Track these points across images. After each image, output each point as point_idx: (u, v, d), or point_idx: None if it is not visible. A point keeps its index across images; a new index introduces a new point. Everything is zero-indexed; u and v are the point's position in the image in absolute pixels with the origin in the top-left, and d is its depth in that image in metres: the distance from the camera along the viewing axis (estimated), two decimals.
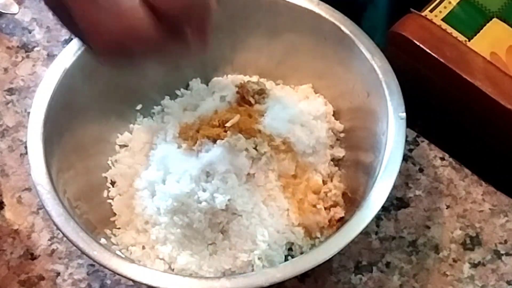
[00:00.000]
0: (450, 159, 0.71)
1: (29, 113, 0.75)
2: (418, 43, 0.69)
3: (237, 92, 0.69)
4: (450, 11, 0.71)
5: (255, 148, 0.64)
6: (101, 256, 0.57)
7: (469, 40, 0.69)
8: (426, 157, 0.71)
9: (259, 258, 0.61)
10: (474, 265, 0.66)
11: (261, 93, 0.68)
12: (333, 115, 0.69)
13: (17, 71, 0.78)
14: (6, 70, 0.78)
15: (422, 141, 0.72)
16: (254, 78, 0.71)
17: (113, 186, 0.68)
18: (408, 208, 0.69)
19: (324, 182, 0.66)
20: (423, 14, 0.71)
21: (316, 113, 0.67)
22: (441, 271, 0.66)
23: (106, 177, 0.68)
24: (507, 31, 0.71)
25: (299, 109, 0.67)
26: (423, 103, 0.70)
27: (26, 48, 0.79)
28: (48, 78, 0.64)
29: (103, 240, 0.61)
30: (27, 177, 0.71)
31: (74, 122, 0.65)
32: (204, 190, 0.61)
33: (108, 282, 0.66)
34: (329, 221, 0.64)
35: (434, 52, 0.68)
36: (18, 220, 0.69)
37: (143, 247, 0.64)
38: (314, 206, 0.64)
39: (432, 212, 0.69)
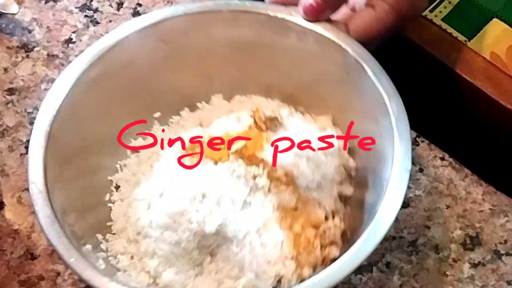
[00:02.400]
0: (450, 159, 0.71)
1: (29, 113, 0.75)
2: (418, 43, 0.69)
3: (251, 116, 0.67)
4: (450, 11, 0.71)
5: (254, 178, 0.62)
6: (77, 264, 0.57)
7: (469, 40, 0.69)
8: (426, 157, 0.71)
9: (243, 287, 0.60)
10: (474, 265, 0.66)
11: (274, 120, 0.66)
12: (348, 151, 0.67)
13: (17, 71, 0.78)
14: (6, 70, 0.78)
15: (422, 141, 0.72)
16: (276, 102, 0.70)
17: (116, 191, 0.68)
18: (408, 208, 0.69)
19: (327, 218, 0.65)
20: (423, 14, 0.71)
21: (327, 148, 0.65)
22: (441, 271, 0.66)
23: (111, 180, 0.68)
24: (507, 31, 0.71)
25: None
26: (423, 103, 0.70)
27: (26, 48, 0.79)
28: (65, 76, 0.64)
29: (88, 247, 0.61)
30: (27, 177, 0.71)
31: (86, 121, 0.65)
32: (197, 211, 0.60)
33: None
34: (323, 259, 0.63)
35: (434, 52, 0.68)
36: (18, 220, 0.69)
37: (132, 257, 0.64)
38: (311, 242, 0.63)
39: (432, 212, 0.69)
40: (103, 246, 0.63)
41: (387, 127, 0.60)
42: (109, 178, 0.68)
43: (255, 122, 0.66)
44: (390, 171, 0.59)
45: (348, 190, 0.66)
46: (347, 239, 0.63)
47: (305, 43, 0.66)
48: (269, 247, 0.61)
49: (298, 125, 0.68)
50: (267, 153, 0.63)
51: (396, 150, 0.59)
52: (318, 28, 0.65)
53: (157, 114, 0.70)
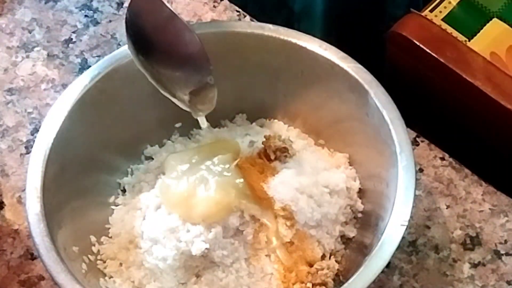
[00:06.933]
0: (450, 159, 0.71)
1: (29, 113, 0.75)
2: (418, 43, 0.69)
3: (263, 143, 0.67)
4: (450, 11, 0.72)
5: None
6: (53, 266, 0.57)
7: (469, 40, 0.69)
8: (426, 157, 0.71)
9: None
10: (474, 265, 0.66)
11: (284, 151, 0.66)
12: (359, 192, 0.67)
13: (17, 71, 0.78)
14: (6, 70, 0.78)
15: (422, 141, 0.72)
16: (297, 131, 0.70)
17: (122, 194, 0.68)
18: None
19: (323, 257, 0.64)
20: (423, 14, 0.71)
21: (334, 188, 0.64)
22: (441, 271, 0.66)
23: (119, 183, 0.68)
24: (507, 31, 0.71)
25: (314, 180, 0.64)
26: (423, 103, 0.70)
27: (26, 48, 0.79)
28: (84, 76, 0.64)
29: (75, 249, 0.61)
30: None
31: (102, 121, 0.65)
32: (188, 231, 0.61)
33: None
34: None
35: (434, 52, 0.68)
36: (18, 220, 0.69)
37: (120, 264, 0.64)
38: (302, 279, 0.62)
39: (432, 212, 0.69)
40: (94, 249, 0.64)
41: (394, 178, 0.60)
42: (118, 180, 0.68)
43: (265, 150, 0.66)
44: (384, 224, 0.59)
45: (351, 232, 0.66)
46: (340, 282, 0.63)
47: (331, 78, 0.66)
48: (257, 277, 0.62)
49: (310, 159, 0.67)
50: (268, 185, 0.63)
51: (396, 204, 0.59)
52: (345, 65, 0.65)
53: (178, 124, 0.70)
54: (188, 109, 0.63)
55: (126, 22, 0.61)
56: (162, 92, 0.61)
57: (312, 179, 0.64)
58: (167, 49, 0.62)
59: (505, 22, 0.71)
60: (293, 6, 0.89)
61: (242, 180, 0.62)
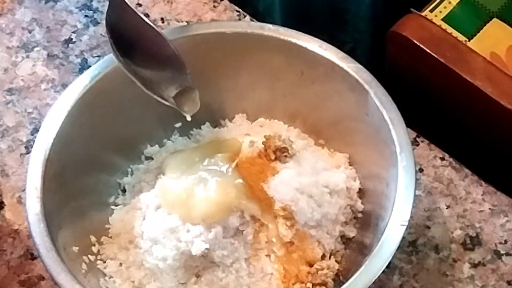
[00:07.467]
0: (450, 159, 0.71)
1: (29, 113, 0.75)
2: (418, 43, 0.69)
3: (263, 143, 0.67)
4: (450, 11, 0.72)
5: None
6: (53, 266, 0.57)
7: (469, 40, 0.69)
8: (426, 157, 0.71)
9: None
10: (474, 265, 0.66)
11: (284, 151, 0.66)
12: (359, 192, 0.67)
13: (17, 71, 0.78)
14: (6, 70, 0.78)
15: (422, 141, 0.72)
16: (297, 131, 0.70)
17: (122, 194, 0.68)
18: None
19: (323, 257, 0.64)
20: (423, 14, 0.71)
21: (334, 188, 0.64)
22: (441, 271, 0.66)
23: (119, 183, 0.68)
24: (507, 31, 0.71)
25: (314, 180, 0.64)
26: (423, 103, 0.70)
27: (26, 48, 0.79)
28: (83, 77, 0.65)
29: (75, 249, 0.61)
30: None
31: (102, 121, 0.65)
32: (188, 231, 0.61)
33: None
34: None
35: (434, 52, 0.68)
36: (18, 220, 0.69)
37: (120, 264, 0.64)
38: (302, 279, 0.62)
39: (432, 212, 0.69)
40: (94, 249, 0.64)
41: (393, 178, 0.60)
42: (118, 180, 0.68)
43: (265, 150, 0.66)
44: (384, 224, 0.59)
45: (351, 232, 0.65)
46: (340, 282, 0.63)
47: (331, 78, 0.66)
48: (257, 277, 0.62)
49: (310, 159, 0.67)
50: (268, 185, 0.63)
51: (396, 204, 0.59)
52: (345, 65, 0.64)
53: (178, 124, 0.70)
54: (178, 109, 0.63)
55: (106, 27, 0.61)
56: (151, 94, 0.61)
57: (312, 179, 0.64)
58: (145, 55, 0.63)
59: (505, 22, 0.71)
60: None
61: (242, 180, 0.62)
